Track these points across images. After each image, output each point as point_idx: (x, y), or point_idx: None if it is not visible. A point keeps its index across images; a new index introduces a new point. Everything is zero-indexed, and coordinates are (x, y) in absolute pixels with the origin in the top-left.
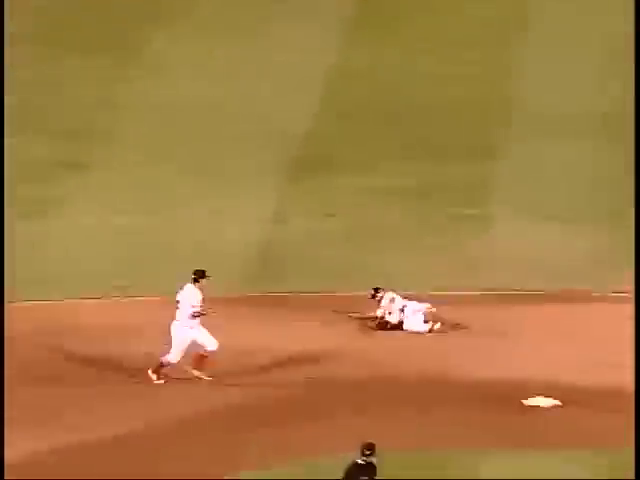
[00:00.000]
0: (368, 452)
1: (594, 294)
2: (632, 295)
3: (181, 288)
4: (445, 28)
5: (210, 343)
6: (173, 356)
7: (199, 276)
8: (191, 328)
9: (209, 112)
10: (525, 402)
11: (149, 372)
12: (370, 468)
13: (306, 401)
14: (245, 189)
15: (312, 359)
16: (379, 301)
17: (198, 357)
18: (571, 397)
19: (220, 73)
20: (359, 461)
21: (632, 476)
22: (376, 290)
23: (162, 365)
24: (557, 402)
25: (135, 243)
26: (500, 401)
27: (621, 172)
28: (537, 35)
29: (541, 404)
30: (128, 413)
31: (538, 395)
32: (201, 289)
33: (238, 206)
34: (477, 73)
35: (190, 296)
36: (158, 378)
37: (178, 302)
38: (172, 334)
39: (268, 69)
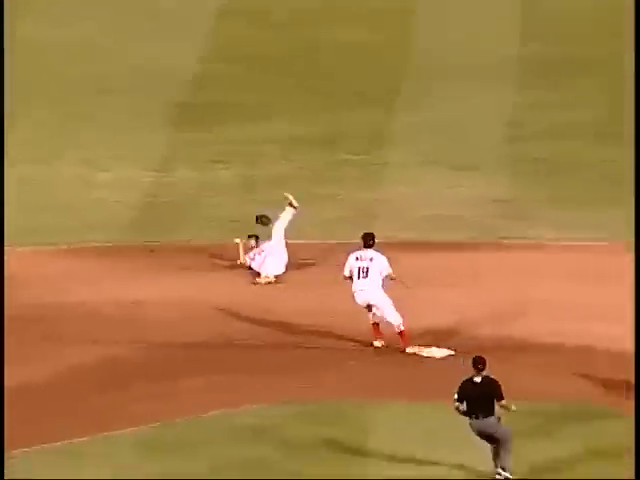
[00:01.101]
0: (480, 366)
1: (503, 242)
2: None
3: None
4: None
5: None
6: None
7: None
8: None
9: (93, 58)
10: (421, 353)
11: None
12: (491, 385)
13: (198, 355)
14: (131, 137)
15: (205, 311)
16: (251, 248)
17: None
18: (468, 346)
19: (105, 15)
20: (475, 378)
21: None
22: (250, 237)
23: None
24: (451, 352)
25: (17, 193)
26: (397, 352)
27: (528, 120)
28: None
29: (436, 355)
30: None
31: (434, 345)
32: None
33: (124, 155)
34: (379, 18)
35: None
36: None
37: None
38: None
39: (153, 11)
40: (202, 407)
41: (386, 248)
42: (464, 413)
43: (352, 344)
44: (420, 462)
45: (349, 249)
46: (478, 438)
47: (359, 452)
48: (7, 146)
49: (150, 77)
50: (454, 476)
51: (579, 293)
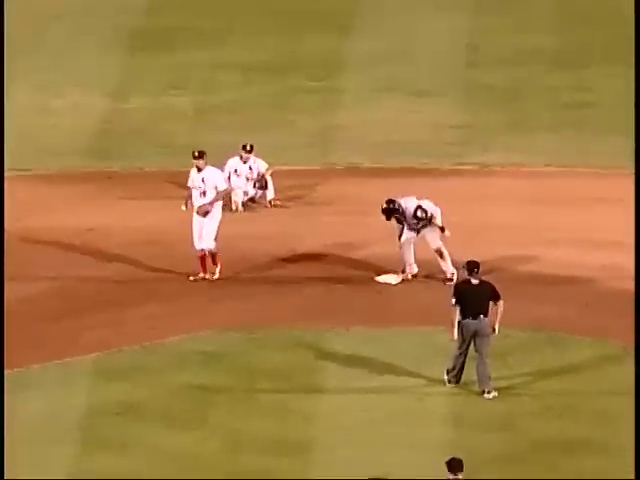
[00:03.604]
0: (476, 270)
1: (459, 168)
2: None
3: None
4: None
5: None
6: None
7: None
8: None
9: None
10: (377, 279)
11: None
12: (487, 286)
13: (153, 284)
14: (85, 63)
15: (161, 238)
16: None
17: None
18: (427, 272)
19: None
20: (472, 280)
21: None
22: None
23: None
24: (404, 277)
25: None
26: (352, 279)
27: (484, 46)
28: None
29: (391, 281)
30: None
31: (388, 272)
32: None
33: (78, 81)
34: None
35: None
36: None
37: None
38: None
39: None
40: (156, 334)
41: (343, 174)
42: (461, 314)
43: (309, 270)
44: (381, 380)
45: (304, 175)
46: (453, 360)
47: (314, 377)
48: None
49: (103, 1)
50: (418, 387)
51: (534, 217)
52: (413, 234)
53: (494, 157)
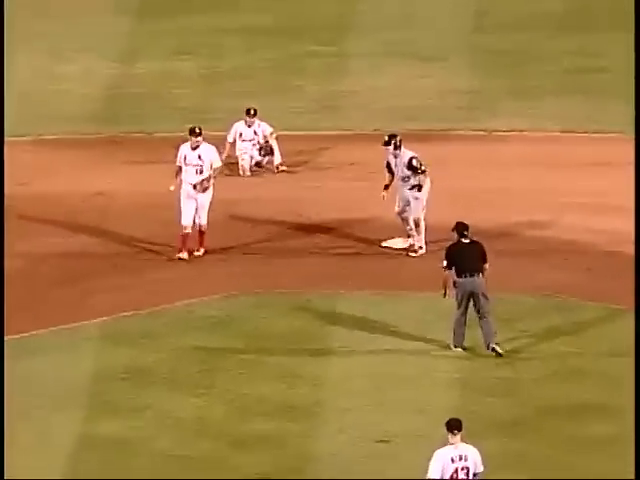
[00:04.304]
0: (466, 232)
1: (467, 133)
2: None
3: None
4: None
5: None
6: None
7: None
8: None
9: None
10: (383, 244)
11: None
12: (478, 246)
13: (162, 248)
14: (93, 28)
15: (170, 203)
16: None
17: None
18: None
19: None
20: (464, 240)
21: None
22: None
23: None
24: (412, 242)
25: None
26: (358, 244)
27: (493, 11)
28: None
29: (397, 245)
30: None
31: (394, 237)
32: None
33: (86, 46)
34: None
35: None
36: None
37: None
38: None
39: None
40: (163, 299)
41: (351, 139)
42: (456, 274)
43: (316, 235)
44: (388, 344)
45: (312, 140)
46: (457, 319)
47: (322, 341)
48: None
49: None
50: (424, 352)
51: (540, 182)
52: (406, 194)
53: (500, 122)
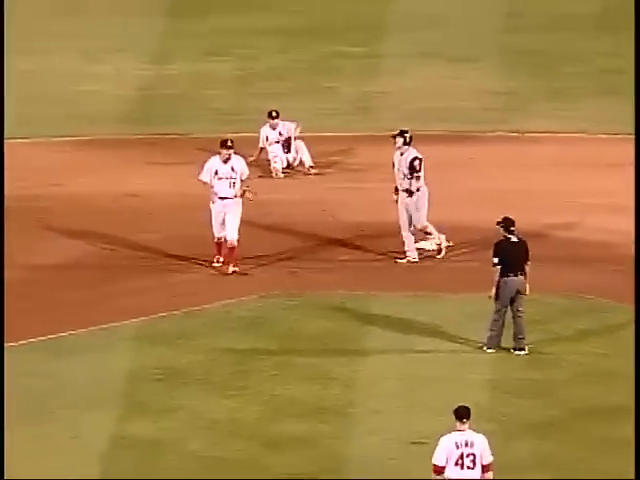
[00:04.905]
0: (512, 228)
1: (500, 134)
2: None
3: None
4: None
5: None
6: None
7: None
8: None
9: None
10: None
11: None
12: (524, 245)
13: (195, 249)
14: (127, 29)
15: (203, 204)
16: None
17: None
18: (467, 238)
19: None
20: (512, 238)
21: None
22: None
23: None
24: (449, 243)
25: (14, 84)
26: (391, 245)
27: (526, 12)
28: None
29: (426, 247)
30: None
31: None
32: None
33: (120, 46)
34: None
35: None
36: None
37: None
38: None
39: None
40: (198, 300)
41: (383, 140)
42: (501, 273)
43: (348, 237)
44: (421, 345)
45: (344, 142)
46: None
47: (355, 342)
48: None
49: None
50: (457, 353)
51: (573, 183)
52: (404, 213)
53: (533, 123)
